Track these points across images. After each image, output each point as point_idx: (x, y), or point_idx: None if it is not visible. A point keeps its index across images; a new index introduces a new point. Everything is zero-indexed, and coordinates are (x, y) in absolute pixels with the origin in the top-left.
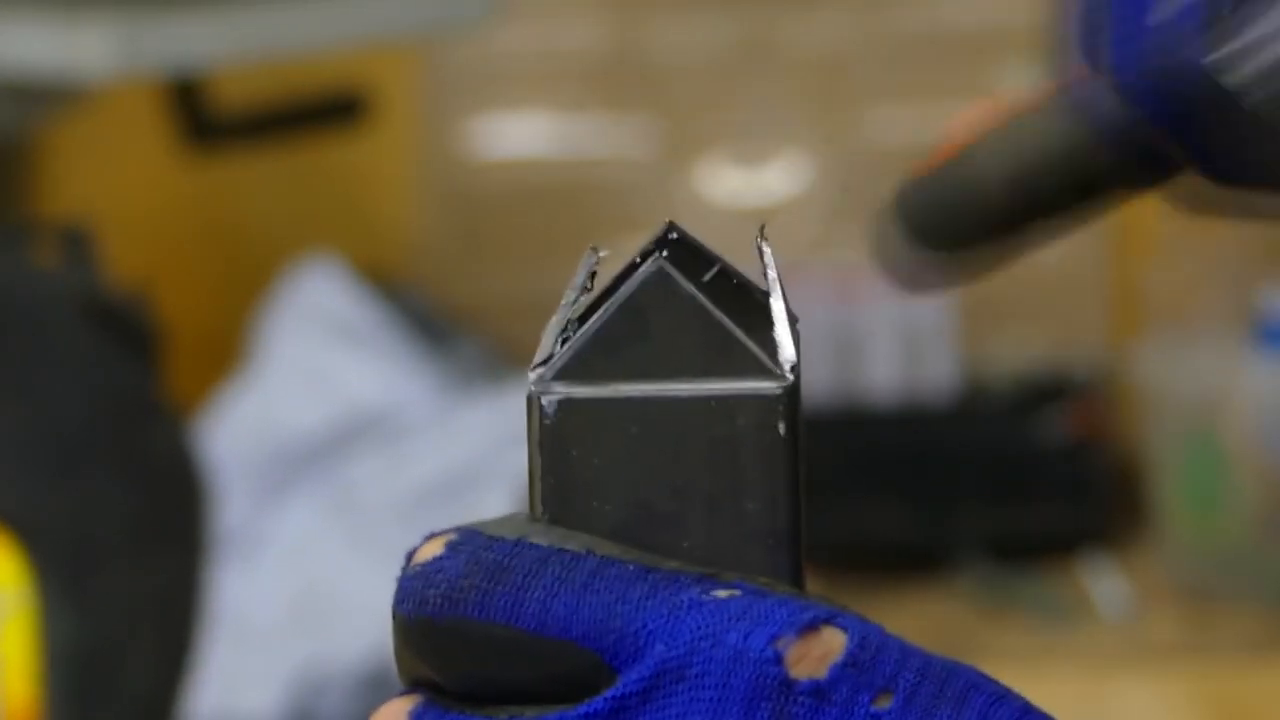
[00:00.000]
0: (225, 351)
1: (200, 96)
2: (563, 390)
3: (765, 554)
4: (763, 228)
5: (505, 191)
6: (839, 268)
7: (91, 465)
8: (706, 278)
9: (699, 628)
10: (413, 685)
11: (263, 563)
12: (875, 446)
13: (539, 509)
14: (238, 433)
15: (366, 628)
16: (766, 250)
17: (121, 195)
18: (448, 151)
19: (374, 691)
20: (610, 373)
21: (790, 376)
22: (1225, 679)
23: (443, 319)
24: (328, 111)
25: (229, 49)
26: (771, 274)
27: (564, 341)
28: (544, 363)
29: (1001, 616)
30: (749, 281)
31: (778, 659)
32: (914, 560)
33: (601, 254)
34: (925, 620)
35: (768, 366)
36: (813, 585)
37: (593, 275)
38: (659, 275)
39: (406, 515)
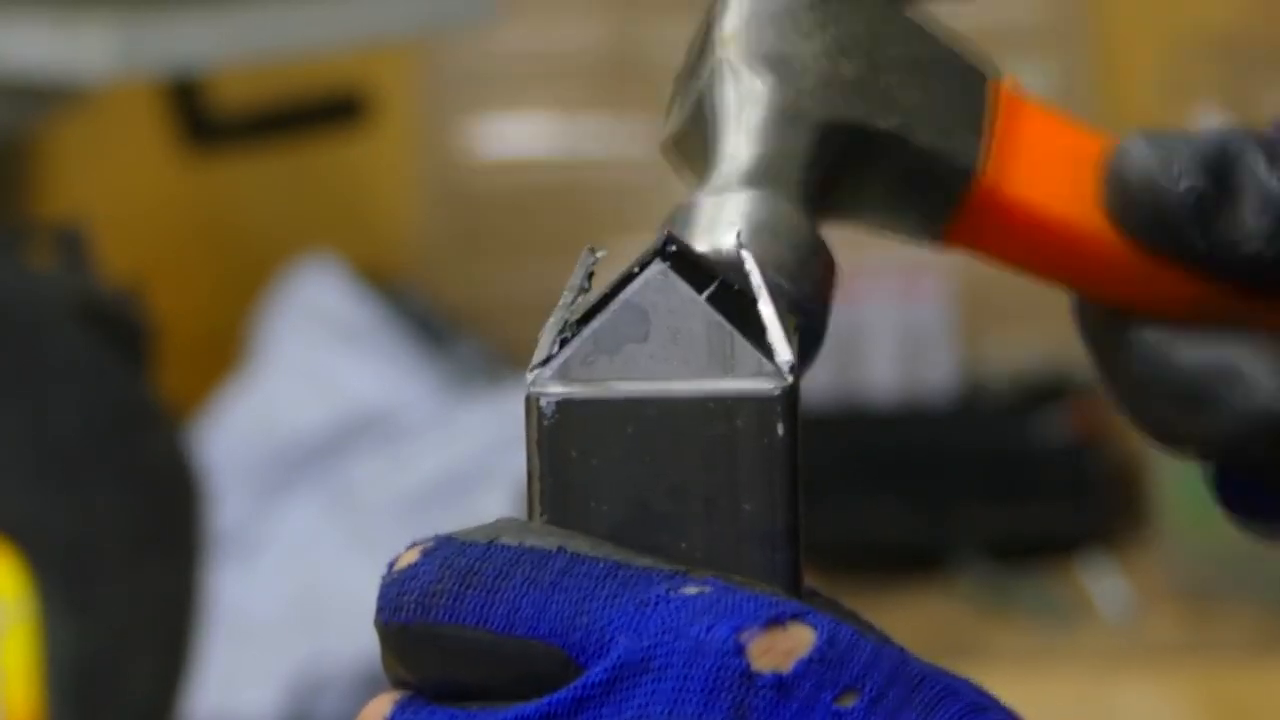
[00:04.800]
0: (224, 351)
1: (200, 96)
2: (561, 391)
3: (763, 554)
4: (739, 234)
5: (505, 191)
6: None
7: (90, 473)
8: (705, 280)
9: (664, 622)
10: (399, 687)
11: (262, 562)
12: (875, 446)
13: (538, 509)
14: (237, 433)
15: (365, 627)
16: (748, 256)
17: (121, 195)
18: (448, 151)
19: (372, 691)
20: (608, 373)
21: (789, 377)
22: (1225, 679)
23: (442, 319)
24: (328, 112)
25: (229, 49)
26: (756, 280)
27: (562, 342)
28: (542, 363)
29: (1001, 616)
30: (747, 284)
31: (739, 650)
32: (914, 560)
33: (599, 254)
34: (925, 620)
35: (766, 367)
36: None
37: (590, 276)
38: (658, 276)
39: (406, 515)
